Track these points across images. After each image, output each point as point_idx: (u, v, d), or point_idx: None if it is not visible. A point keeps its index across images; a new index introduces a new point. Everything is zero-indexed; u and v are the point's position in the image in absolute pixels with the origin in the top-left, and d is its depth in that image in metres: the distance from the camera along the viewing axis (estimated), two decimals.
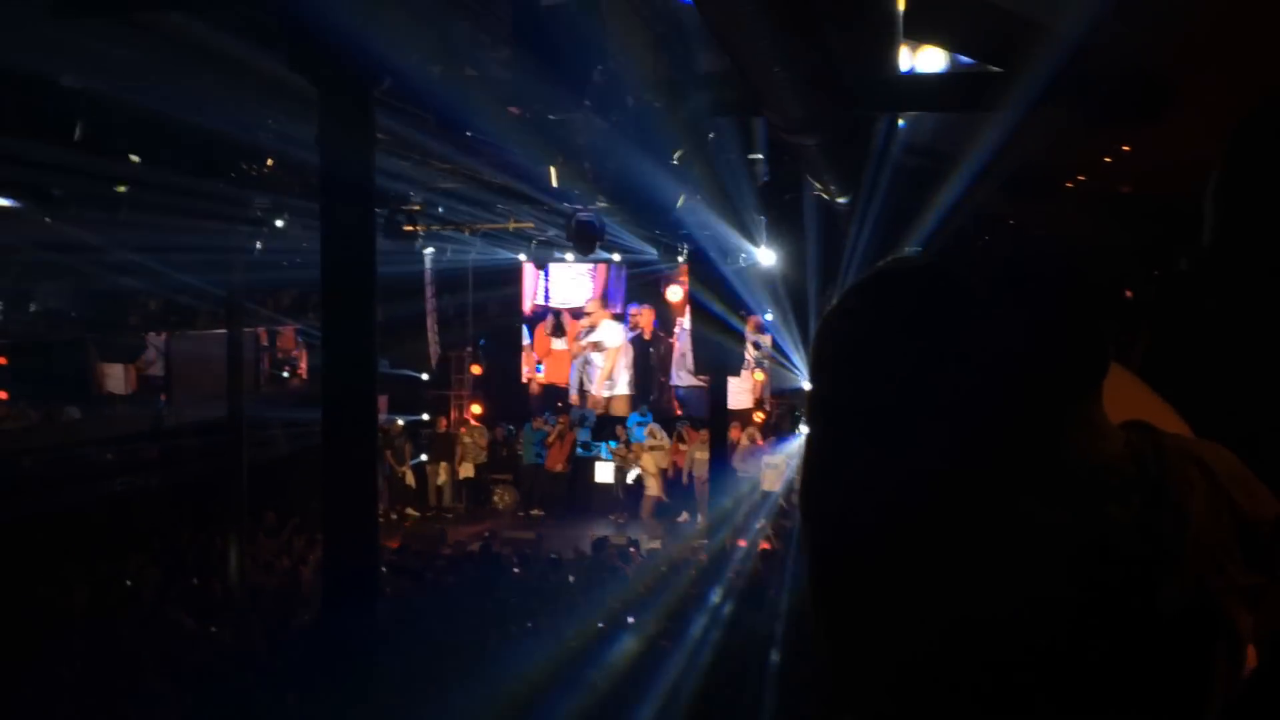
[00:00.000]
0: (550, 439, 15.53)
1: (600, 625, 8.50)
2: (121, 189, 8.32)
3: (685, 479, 14.83)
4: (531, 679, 6.91)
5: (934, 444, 0.83)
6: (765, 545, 12.03)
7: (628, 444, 15.53)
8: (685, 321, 16.09)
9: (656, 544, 12.82)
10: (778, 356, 15.78)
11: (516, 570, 10.60)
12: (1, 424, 10.17)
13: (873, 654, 0.87)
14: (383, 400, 12.99)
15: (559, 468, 15.48)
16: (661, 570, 10.79)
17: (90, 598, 8.99)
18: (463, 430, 15.92)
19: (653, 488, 14.96)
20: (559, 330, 16.82)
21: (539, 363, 17.09)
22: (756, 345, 15.56)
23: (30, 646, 7.77)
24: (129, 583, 9.74)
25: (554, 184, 11.84)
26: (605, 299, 16.72)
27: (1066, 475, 0.83)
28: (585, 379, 16.68)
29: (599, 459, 15.56)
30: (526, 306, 17.21)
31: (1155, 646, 0.81)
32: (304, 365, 16.44)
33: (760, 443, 14.71)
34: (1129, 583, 0.81)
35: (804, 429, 12.62)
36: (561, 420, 15.96)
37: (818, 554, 0.90)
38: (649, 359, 16.92)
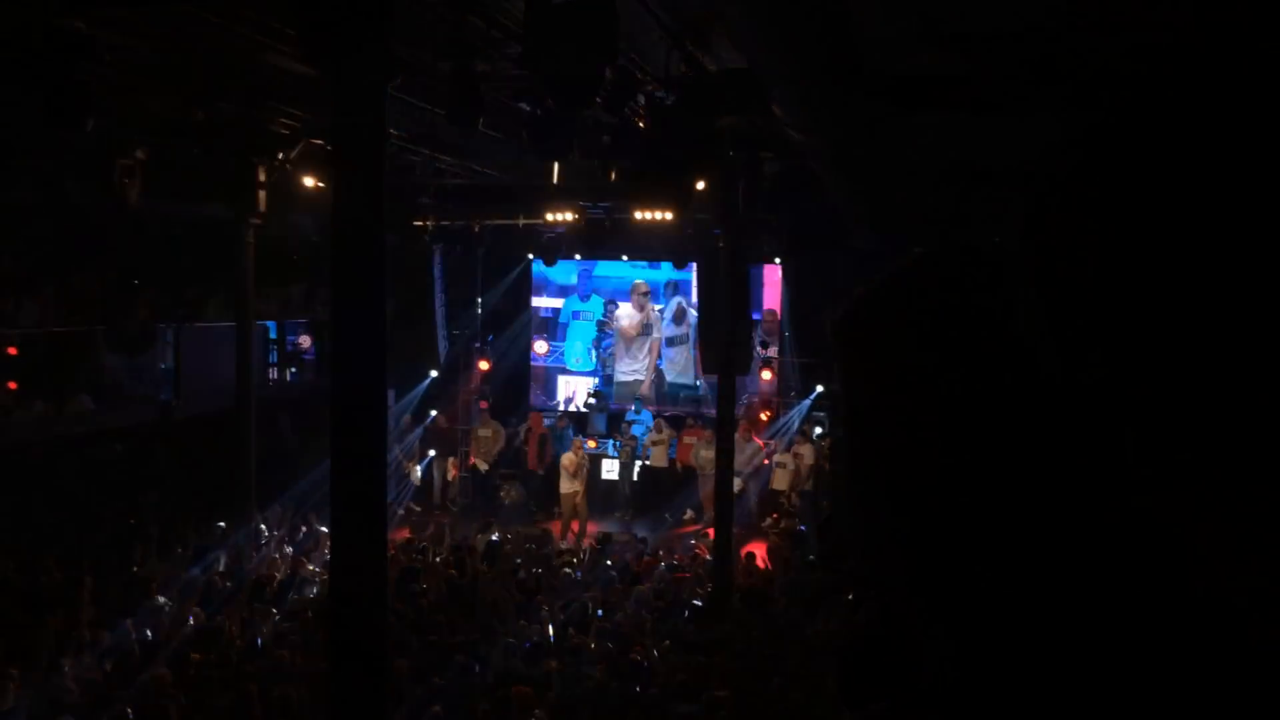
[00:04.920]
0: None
1: (599, 613, 8.56)
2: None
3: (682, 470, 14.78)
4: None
5: (965, 443, 0.83)
6: (768, 545, 12.03)
7: (633, 440, 15.51)
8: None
9: (659, 540, 12.82)
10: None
11: (519, 563, 10.61)
12: (12, 414, 10.21)
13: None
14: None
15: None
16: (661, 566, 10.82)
17: (96, 587, 9.03)
18: (478, 425, 15.84)
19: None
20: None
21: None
22: (764, 344, 15.53)
23: (38, 634, 7.83)
24: (135, 571, 9.78)
25: (555, 181, 11.87)
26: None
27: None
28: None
29: (605, 455, 15.53)
30: (533, 303, 17.22)
31: (1177, 660, 0.81)
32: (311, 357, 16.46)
33: (761, 442, 14.63)
34: (1152, 591, 0.81)
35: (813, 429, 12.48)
36: (560, 420, 15.99)
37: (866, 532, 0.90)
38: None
